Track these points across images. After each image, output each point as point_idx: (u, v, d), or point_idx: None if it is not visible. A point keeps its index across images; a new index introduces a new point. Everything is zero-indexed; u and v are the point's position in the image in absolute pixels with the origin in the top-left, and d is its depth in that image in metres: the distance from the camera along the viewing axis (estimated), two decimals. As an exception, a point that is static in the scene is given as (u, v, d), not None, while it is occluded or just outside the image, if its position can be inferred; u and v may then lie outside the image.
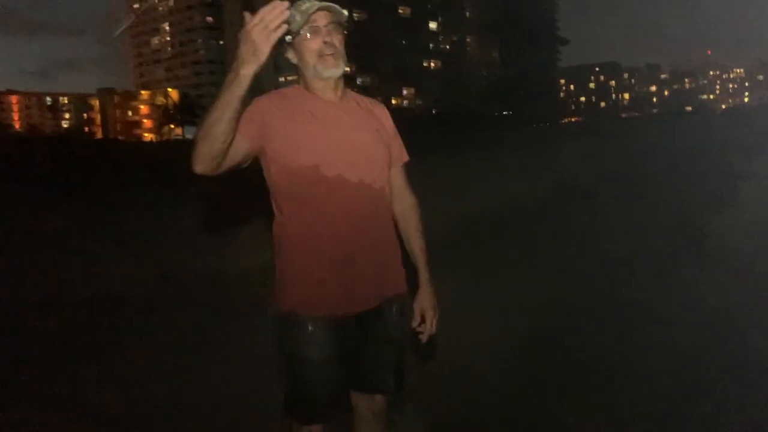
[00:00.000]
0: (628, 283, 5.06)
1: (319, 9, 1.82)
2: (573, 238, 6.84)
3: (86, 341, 4.09)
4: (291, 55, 1.93)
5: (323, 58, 1.86)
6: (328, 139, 1.87)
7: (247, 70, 1.54)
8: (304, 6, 1.83)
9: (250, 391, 3.25)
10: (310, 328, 1.88)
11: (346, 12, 1.86)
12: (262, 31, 1.49)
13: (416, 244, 2.11)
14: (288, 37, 1.87)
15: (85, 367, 3.67)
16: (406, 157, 2.12)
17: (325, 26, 1.85)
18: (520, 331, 4.07)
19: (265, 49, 1.52)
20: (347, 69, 1.97)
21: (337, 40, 1.88)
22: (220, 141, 1.63)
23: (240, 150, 1.76)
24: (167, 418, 3.06)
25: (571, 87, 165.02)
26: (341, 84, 1.95)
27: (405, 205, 2.12)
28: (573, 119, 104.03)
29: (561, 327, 4.12)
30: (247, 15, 1.54)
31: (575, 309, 4.47)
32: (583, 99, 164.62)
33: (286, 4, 1.48)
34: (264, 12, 1.49)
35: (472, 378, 3.42)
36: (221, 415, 3.08)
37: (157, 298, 5.08)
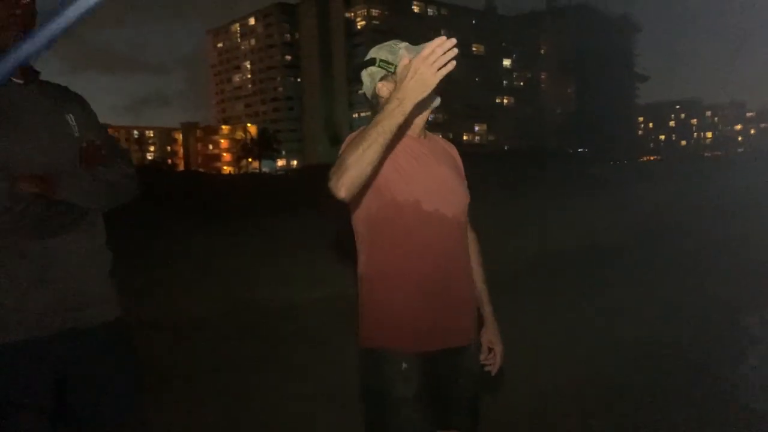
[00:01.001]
0: (698, 336, 4.76)
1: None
2: (642, 283, 6.58)
3: (158, 365, 4.24)
4: (383, 91, 1.93)
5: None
6: (427, 175, 1.92)
7: (411, 102, 1.56)
8: (401, 45, 1.90)
9: (307, 425, 3.29)
10: (404, 364, 1.87)
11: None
12: (431, 67, 1.51)
13: (479, 277, 2.14)
14: (385, 74, 1.92)
15: (170, 391, 3.82)
16: (470, 196, 2.14)
17: None
18: (581, 373, 3.96)
19: (432, 84, 1.53)
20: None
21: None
22: (372, 166, 1.63)
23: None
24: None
25: (650, 125, 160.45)
26: (426, 122, 2.00)
27: (469, 239, 2.14)
28: (652, 158, 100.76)
29: (623, 374, 3.97)
30: (405, 53, 1.58)
31: (640, 357, 4.28)
32: (662, 137, 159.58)
33: (454, 41, 1.49)
34: (434, 46, 1.50)
35: (532, 417, 3.35)
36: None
37: (239, 326, 5.26)
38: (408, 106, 1.56)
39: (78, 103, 1.97)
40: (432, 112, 2.01)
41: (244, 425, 3.38)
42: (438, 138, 2.13)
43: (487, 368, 2.11)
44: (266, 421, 3.41)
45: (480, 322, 2.11)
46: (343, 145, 1.72)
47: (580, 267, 7.47)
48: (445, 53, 1.49)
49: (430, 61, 1.50)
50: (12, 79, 1.82)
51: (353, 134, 1.74)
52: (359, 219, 1.94)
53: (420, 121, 1.96)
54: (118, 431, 1.93)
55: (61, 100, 1.91)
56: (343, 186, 1.63)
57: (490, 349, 2.11)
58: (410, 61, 1.54)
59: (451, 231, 1.95)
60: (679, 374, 3.92)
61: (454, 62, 1.51)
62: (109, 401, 1.91)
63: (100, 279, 1.91)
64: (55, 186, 1.74)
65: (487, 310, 2.13)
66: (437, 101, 1.93)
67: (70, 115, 1.89)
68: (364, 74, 1.97)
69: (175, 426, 3.28)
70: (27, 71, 1.85)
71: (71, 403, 1.87)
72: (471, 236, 2.17)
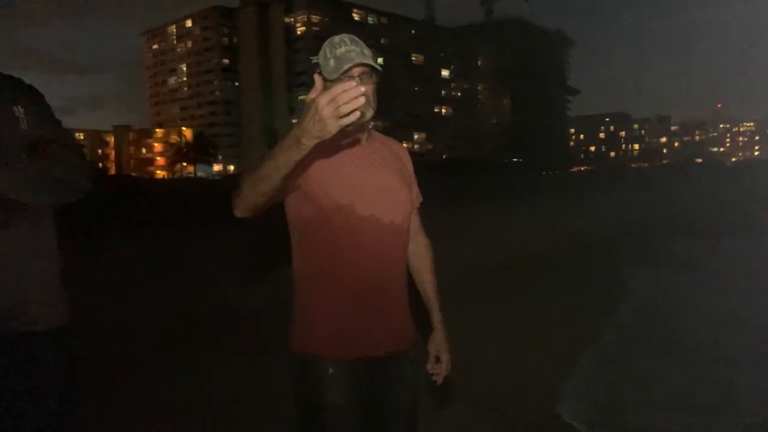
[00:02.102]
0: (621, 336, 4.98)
1: (356, 65, 1.78)
2: (579, 289, 6.79)
3: (96, 371, 4.06)
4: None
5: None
6: (362, 179, 1.87)
7: (311, 142, 1.44)
8: (339, 51, 1.78)
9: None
10: (331, 370, 1.83)
11: (380, 60, 1.84)
12: (334, 111, 1.35)
13: (430, 285, 2.11)
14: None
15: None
16: (421, 198, 2.12)
17: (359, 75, 1.79)
18: (528, 372, 4.03)
19: (333, 131, 1.38)
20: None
21: (369, 89, 1.82)
22: (267, 195, 1.62)
23: (285, 192, 1.76)
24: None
25: (581, 136, 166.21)
26: (368, 126, 1.95)
27: (420, 245, 2.11)
28: (582, 168, 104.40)
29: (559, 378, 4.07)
30: (318, 80, 1.48)
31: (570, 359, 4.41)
32: (593, 148, 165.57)
33: (362, 89, 1.33)
34: (337, 92, 1.34)
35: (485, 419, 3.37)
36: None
37: (167, 335, 5.08)
38: (306, 147, 1.45)
39: (30, 96, 1.88)
40: (372, 120, 1.97)
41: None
42: (386, 139, 2.08)
43: (434, 377, 2.08)
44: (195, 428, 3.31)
45: (427, 331, 2.09)
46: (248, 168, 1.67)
47: (514, 276, 7.63)
48: (349, 103, 1.33)
49: (334, 106, 1.34)
50: None
51: (259, 157, 1.64)
52: (293, 222, 1.90)
53: (354, 132, 1.88)
54: None
55: (10, 92, 1.82)
56: (238, 209, 1.68)
57: (437, 359, 2.07)
58: (314, 99, 1.39)
59: (388, 236, 1.90)
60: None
61: (358, 113, 1.35)
62: (35, 416, 1.79)
63: (41, 282, 1.80)
64: None
65: (436, 318, 2.09)
66: (370, 114, 1.84)
67: (19, 107, 1.80)
68: (317, 78, 1.90)
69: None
70: None
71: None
72: (424, 243, 2.13)
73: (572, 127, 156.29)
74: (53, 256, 1.87)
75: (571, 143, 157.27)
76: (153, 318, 5.53)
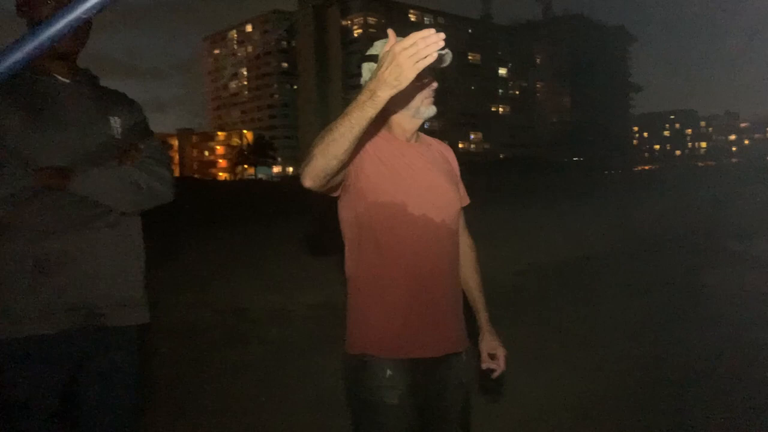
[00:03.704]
0: (692, 351, 4.80)
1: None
2: (638, 290, 6.59)
3: (156, 371, 4.23)
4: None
5: (426, 101, 1.88)
6: (414, 179, 1.87)
7: (386, 93, 1.42)
8: None
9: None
10: (388, 371, 1.82)
11: (450, 57, 1.73)
12: (410, 58, 1.35)
13: (475, 284, 2.11)
14: None
15: (157, 396, 3.80)
16: (467, 200, 2.12)
17: (428, 70, 1.86)
18: (581, 386, 3.96)
19: (410, 77, 1.38)
20: None
21: (435, 84, 1.90)
22: (339, 159, 1.57)
23: (339, 177, 1.73)
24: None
25: (645, 134, 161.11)
26: (418, 128, 1.97)
27: (465, 245, 2.11)
28: (647, 167, 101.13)
29: (617, 386, 3.98)
30: (391, 33, 1.45)
31: (633, 369, 4.29)
32: (657, 147, 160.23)
33: (443, 35, 1.34)
34: (417, 38, 1.34)
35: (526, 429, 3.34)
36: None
37: (227, 332, 5.25)
38: (381, 99, 1.44)
39: (127, 107, 2.01)
40: (428, 121, 2.00)
41: (234, 427, 3.36)
42: (433, 141, 2.10)
43: (491, 375, 2.07)
44: (253, 427, 3.40)
45: (475, 331, 2.10)
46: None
47: (573, 278, 7.48)
48: (428, 46, 1.33)
49: (410, 52, 1.35)
50: (59, 77, 1.88)
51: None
52: (346, 222, 1.91)
53: (410, 126, 1.93)
54: None
55: (108, 103, 1.95)
56: (307, 176, 1.61)
57: (492, 356, 2.07)
58: (390, 48, 1.39)
59: (440, 236, 1.90)
60: (669, 386, 3.92)
61: (435, 55, 1.36)
62: (111, 413, 1.90)
63: (124, 282, 1.90)
64: (68, 180, 1.74)
65: (483, 317, 2.09)
66: (432, 111, 1.90)
67: (115, 117, 1.93)
68: (365, 67, 1.91)
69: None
70: (75, 72, 1.93)
71: (77, 406, 1.87)
72: (468, 243, 2.14)
73: (636, 125, 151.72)
74: (136, 258, 1.96)
75: (635, 142, 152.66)
76: (218, 315, 5.72)
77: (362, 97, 1.46)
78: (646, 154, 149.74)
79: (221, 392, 3.93)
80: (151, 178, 1.92)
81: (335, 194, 1.85)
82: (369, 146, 1.86)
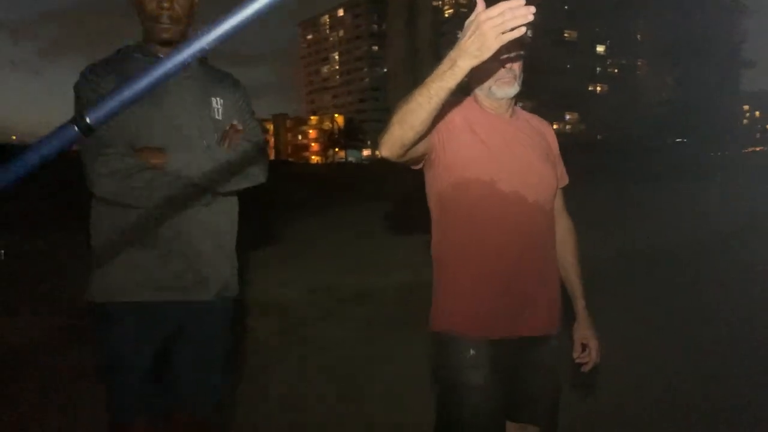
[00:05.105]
0: None
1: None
2: (738, 282, 6.12)
3: (245, 343, 4.39)
4: None
5: (500, 82, 1.80)
6: (505, 155, 1.81)
7: (467, 64, 1.37)
8: None
9: (390, 405, 3.30)
10: (471, 351, 1.80)
11: (530, 33, 1.71)
12: (495, 28, 1.29)
13: (573, 269, 2.02)
14: None
15: (244, 366, 3.95)
16: (566, 180, 2.04)
17: (507, 48, 1.75)
18: (673, 375, 3.75)
19: (494, 47, 1.32)
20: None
21: (517, 64, 1.81)
22: (415, 129, 1.53)
23: (420, 149, 1.70)
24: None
25: (757, 113, 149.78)
26: (512, 102, 1.90)
27: (563, 228, 2.03)
28: (758, 149, 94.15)
29: (714, 376, 3.72)
30: (480, 2, 1.37)
31: (727, 357, 4.00)
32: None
33: (532, 9, 1.26)
34: (504, 8, 1.28)
35: (622, 422, 3.20)
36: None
37: (315, 310, 5.37)
38: (461, 70, 1.38)
39: (231, 88, 2.05)
40: (519, 100, 1.91)
41: (321, 403, 3.43)
42: (531, 117, 2.01)
43: (582, 368, 2.00)
44: (347, 397, 3.47)
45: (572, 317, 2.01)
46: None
47: (672, 265, 7.08)
48: (515, 17, 1.26)
49: (496, 22, 1.27)
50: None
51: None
52: (433, 198, 1.87)
53: (496, 104, 1.85)
54: (206, 413, 2.02)
55: (213, 84, 2.00)
56: (384, 145, 1.60)
57: (584, 346, 1.99)
58: (476, 16, 1.32)
59: (532, 215, 1.82)
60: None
61: (522, 29, 1.28)
62: (204, 383, 2.00)
63: (219, 259, 1.98)
64: (166, 160, 1.81)
65: (580, 304, 2.01)
66: (505, 92, 1.81)
67: (218, 99, 1.98)
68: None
69: (249, 404, 3.37)
70: None
71: (171, 371, 1.97)
72: (567, 225, 2.05)
73: (746, 104, 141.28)
74: (231, 236, 2.04)
75: (745, 121, 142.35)
76: (306, 294, 5.86)
77: (443, 66, 1.41)
78: (758, 135, 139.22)
79: (306, 366, 4.04)
80: (246, 161, 1.97)
81: (416, 167, 1.81)
82: (459, 119, 1.80)
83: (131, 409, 1.87)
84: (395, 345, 4.27)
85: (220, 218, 1.98)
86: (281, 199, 12.41)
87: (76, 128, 0.75)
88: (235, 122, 1.98)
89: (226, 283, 2.00)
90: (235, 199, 2.04)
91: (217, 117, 1.96)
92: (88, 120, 0.75)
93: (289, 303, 5.53)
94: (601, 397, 3.37)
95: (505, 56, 1.76)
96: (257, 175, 2.02)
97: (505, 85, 1.81)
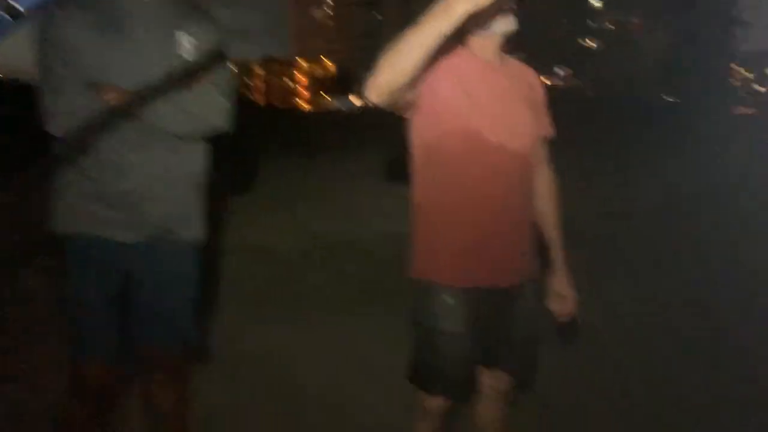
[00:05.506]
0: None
1: None
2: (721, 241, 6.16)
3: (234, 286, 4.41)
4: None
5: (499, 16, 1.74)
6: (492, 104, 1.79)
7: (461, 8, 1.32)
8: None
9: (378, 356, 3.36)
10: (448, 299, 1.83)
11: None
12: None
13: (552, 221, 2.03)
14: None
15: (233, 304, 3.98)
16: (551, 132, 2.02)
17: None
18: (653, 334, 3.84)
19: None
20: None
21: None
22: (405, 74, 1.49)
23: (408, 95, 1.66)
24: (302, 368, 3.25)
25: (749, 74, 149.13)
26: (504, 47, 1.86)
27: (544, 179, 2.03)
28: (748, 111, 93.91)
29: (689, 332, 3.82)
30: None
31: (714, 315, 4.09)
32: (763, 89, 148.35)
33: None
34: None
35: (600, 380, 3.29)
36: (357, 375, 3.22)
37: (302, 257, 5.41)
38: (456, 14, 1.33)
39: (202, 23, 1.93)
40: (506, 37, 1.83)
41: (305, 351, 3.49)
42: (519, 66, 1.97)
43: (560, 319, 2.04)
44: (337, 347, 3.54)
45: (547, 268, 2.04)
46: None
47: (658, 225, 7.13)
48: None
49: None
50: None
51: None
52: (417, 145, 1.85)
53: (487, 45, 1.81)
54: (168, 353, 2.04)
55: (181, 17, 1.89)
56: (371, 88, 1.54)
57: (561, 297, 2.03)
58: None
59: (515, 165, 1.83)
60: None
61: None
62: (167, 324, 2.00)
63: (177, 203, 1.95)
64: (124, 100, 1.76)
65: (558, 255, 2.04)
66: (506, 26, 1.76)
67: (184, 33, 1.87)
68: None
69: (230, 349, 3.41)
70: None
71: (132, 309, 1.98)
72: (548, 176, 2.05)
73: (740, 65, 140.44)
74: (195, 180, 2.01)
75: (737, 83, 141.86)
76: (293, 240, 5.88)
77: (437, 9, 1.36)
78: (747, 96, 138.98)
79: (292, 306, 4.16)
80: (208, 106, 1.91)
81: (404, 114, 1.79)
82: (447, 65, 1.76)
83: (92, 344, 1.90)
84: (385, 293, 4.32)
85: (183, 164, 1.94)
86: (268, 146, 12.29)
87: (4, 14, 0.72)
88: (203, 63, 1.90)
89: (188, 226, 1.99)
90: (202, 145, 2.00)
91: (184, 54, 1.87)
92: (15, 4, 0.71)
93: (277, 250, 5.55)
94: (579, 354, 3.45)
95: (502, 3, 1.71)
96: (219, 124, 1.97)
97: (504, 19, 1.76)
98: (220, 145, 2.14)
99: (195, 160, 2.00)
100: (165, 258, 1.96)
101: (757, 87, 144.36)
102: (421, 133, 1.84)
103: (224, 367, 3.18)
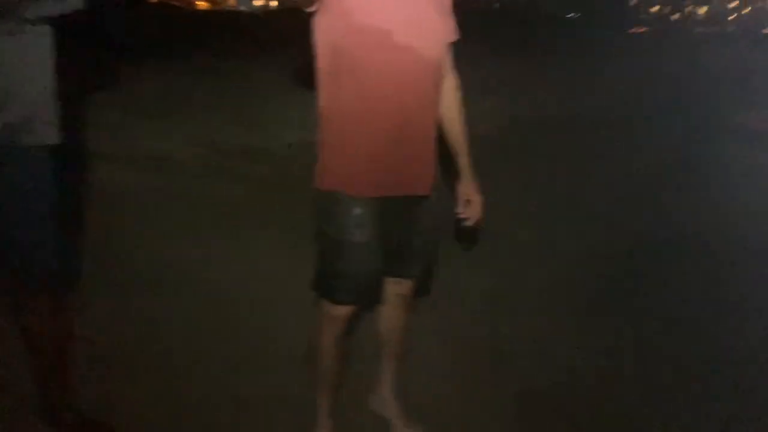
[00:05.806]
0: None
1: None
2: (626, 155, 6.47)
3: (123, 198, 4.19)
4: None
5: None
6: (401, 7, 1.74)
7: None
8: None
9: (287, 266, 3.34)
10: (356, 208, 1.82)
11: None
12: None
13: (457, 127, 2.02)
14: None
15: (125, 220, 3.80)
16: (456, 35, 1.97)
17: None
18: (569, 246, 4.02)
19: None
20: None
21: None
22: None
23: None
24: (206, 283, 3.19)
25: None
26: None
27: (449, 85, 2.00)
28: (642, 30, 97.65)
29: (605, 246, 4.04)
30: None
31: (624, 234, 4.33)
32: (656, 9, 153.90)
33: None
34: None
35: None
36: (260, 286, 3.19)
37: (202, 167, 5.18)
38: None
39: None
40: None
41: (206, 265, 3.42)
42: None
43: (465, 222, 2.08)
44: (233, 257, 3.49)
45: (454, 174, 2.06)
46: None
47: (561, 134, 7.33)
48: None
49: None
50: None
51: None
52: (323, 47, 1.78)
53: None
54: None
55: None
56: None
57: (468, 202, 2.06)
58: None
59: (423, 70, 1.80)
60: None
61: None
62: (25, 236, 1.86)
63: (47, 99, 1.79)
64: None
65: (464, 161, 2.05)
66: None
67: None
68: None
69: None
70: None
71: None
72: (454, 82, 2.02)
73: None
74: (50, 73, 1.81)
75: (633, 2, 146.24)
76: (190, 148, 5.60)
77: None
78: (642, 16, 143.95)
79: (191, 224, 3.94)
80: None
81: (311, 9, 1.70)
82: None
83: None
84: (286, 204, 4.25)
85: (26, 52, 1.74)
86: (159, 48, 11.49)
87: None
88: None
89: (34, 127, 1.79)
90: (47, 30, 1.79)
91: None
92: None
93: (167, 157, 5.25)
94: (499, 267, 3.56)
95: None
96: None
97: None
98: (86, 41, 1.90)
99: (42, 49, 1.79)
100: (11, 162, 1.79)
101: (652, 10, 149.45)
102: (327, 33, 1.76)
103: (125, 279, 3.06)
